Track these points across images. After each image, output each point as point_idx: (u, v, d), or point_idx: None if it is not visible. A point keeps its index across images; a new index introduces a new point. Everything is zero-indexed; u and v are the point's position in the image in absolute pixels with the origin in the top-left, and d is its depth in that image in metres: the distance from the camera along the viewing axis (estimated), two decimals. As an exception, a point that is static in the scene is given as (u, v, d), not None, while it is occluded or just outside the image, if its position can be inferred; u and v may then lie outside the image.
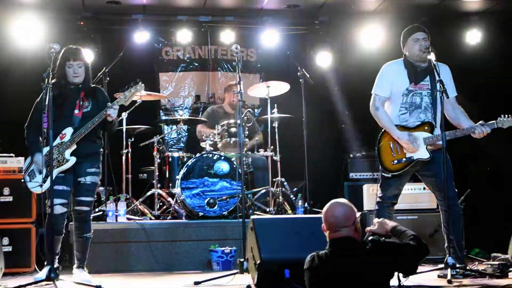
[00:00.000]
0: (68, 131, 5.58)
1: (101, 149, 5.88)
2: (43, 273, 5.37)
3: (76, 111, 5.64)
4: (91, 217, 5.89)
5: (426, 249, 3.91)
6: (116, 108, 5.57)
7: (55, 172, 5.49)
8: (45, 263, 5.57)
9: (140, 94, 5.93)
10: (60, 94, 5.62)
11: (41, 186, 5.42)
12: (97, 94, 5.83)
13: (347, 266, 3.74)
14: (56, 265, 5.43)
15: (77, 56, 5.71)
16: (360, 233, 3.92)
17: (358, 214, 4.07)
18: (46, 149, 5.44)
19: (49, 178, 5.38)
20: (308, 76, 7.96)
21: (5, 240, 6.46)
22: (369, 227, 4.14)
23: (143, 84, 5.79)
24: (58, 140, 5.57)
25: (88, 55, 8.17)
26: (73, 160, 5.55)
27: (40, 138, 5.55)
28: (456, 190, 5.74)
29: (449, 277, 5.17)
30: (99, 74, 7.67)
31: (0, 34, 8.32)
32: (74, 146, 5.56)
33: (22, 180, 5.70)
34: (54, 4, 8.18)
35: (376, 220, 4.18)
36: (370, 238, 3.99)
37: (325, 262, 3.79)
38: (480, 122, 5.61)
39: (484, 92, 8.47)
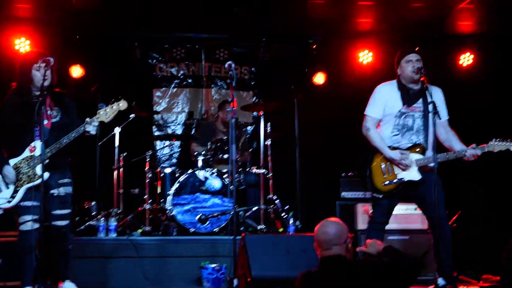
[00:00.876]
0: (38, 144, 5.30)
1: (68, 159, 5.60)
2: None
3: (45, 121, 5.29)
4: (70, 229, 5.64)
5: (418, 270, 3.91)
6: (95, 125, 5.31)
7: (24, 188, 5.30)
8: (23, 283, 5.43)
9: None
10: (24, 102, 5.34)
11: (9, 202, 5.28)
12: (65, 101, 5.54)
13: (337, 284, 3.74)
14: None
15: (44, 57, 5.34)
16: (352, 253, 3.93)
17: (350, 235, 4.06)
18: (12, 161, 5.30)
19: (18, 193, 5.22)
20: (301, 94, 7.99)
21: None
22: (361, 247, 4.14)
23: (125, 102, 5.44)
24: (27, 153, 5.33)
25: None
26: (46, 175, 5.19)
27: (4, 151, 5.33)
28: (447, 211, 5.76)
29: (439, 298, 5.17)
30: (92, 89, 7.69)
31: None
32: (46, 161, 5.21)
33: None
34: (49, 18, 8.20)
35: (368, 241, 4.18)
36: (361, 258, 3.99)
37: (316, 280, 3.79)
38: (472, 145, 5.64)
39: (478, 114, 8.51)
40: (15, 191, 5.27)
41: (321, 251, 3.89)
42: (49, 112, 5.37)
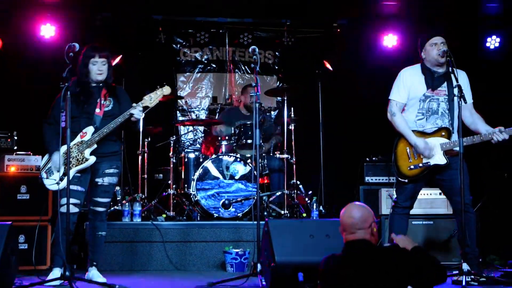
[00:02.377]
0: (89, 130, 5.56)
1: (121, 148, 5.89)
2: (56, 272, 5.45)
3: (98, 110, 5.61)
4: (106, 217, 5.90)
5: (444, 275, 3.84)
6: (140, 110, 5.54)
7: (73, 171, 5.49)
8: (54, 262, 5.62)
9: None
10: (82, 92, 5.63)
11: (57, 184, 5.47)
12: (119, 92, 5.82)
13: (362, 269, 3.72)
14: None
15: (102, 53, 5.68)
16: (377, 238, 3.90)
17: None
18: (64, 148, 5.45)
19: (65, 177, 5.35)
20: (325, 79, 7.96)
21: (21, 238, 6.50)
22: (394, 235, 4.10)
23: (169, 88, 5.71)
24: (78, 139, 5.56)
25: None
26: (93, 159, 5.52)
27: (59, 135, 5.48)
28: (471, 196, 5.71)
29: (464, 283, 5.13)
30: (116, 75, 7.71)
31: (20, 32, 8.39)
32: (95, 146, 5.53)
33: (39, 177, 5.69)
34: (74, 4, 8.24)
35: (399, 237, 4.10)
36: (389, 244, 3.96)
37: (340, 264, 3.78)
38: (499, 128, 5.57)
39: (504, 96, 8.39)
40: (64, 174, 5.44)
41: (345, 235, 3.88)
42: (102, 101, 5.65)
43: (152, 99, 5.60)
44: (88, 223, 5.91)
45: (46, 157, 5.72)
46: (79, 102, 5.57)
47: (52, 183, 5.57)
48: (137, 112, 5.52)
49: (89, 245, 5.87)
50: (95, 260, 5.78)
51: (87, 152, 5.52)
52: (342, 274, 3.76)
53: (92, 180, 5.65)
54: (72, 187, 5.44)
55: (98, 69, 5.64)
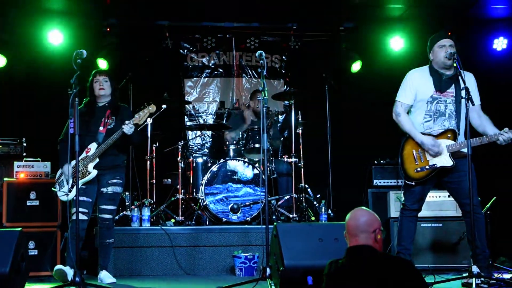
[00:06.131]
0: (93, 146, 6.00)
1: (124, 161, 6.25)
2: (68, 270, 5.69)
3: (101, 128, 6.08)
4: (114, 224, 6.24)
5: None
6: (131, 126, 5.90)
7: (79, 183, 5.84)
8: (66, 262, 5.90)
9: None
10: (88, 112, 6.14)
11: (67, 195, 5.83)
12: (122, 111, 6.23)
13: (361, 274, 3.69)
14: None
15: (103, 72, 6.32)
16: (381, 245, 3.86)
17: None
18: (72, 163, 5.81)
19: (74, 188, 5.74)
20: (332, 82, 7.96)
21: (31, 244, 6.53)
22: None
23: (154, 106, 6.10)
24: (84, 154, 5.96)
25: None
26: (94, 172, 5.95)
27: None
28: (479, 198, 5.70)
29: (474, 286, 5.11)
30: (124, 80, 7.78)
31: (28, 40, 8.43)
32: (97, 160, 5.97)
33: (53, 189, 6.08)
34: (81, 10, 8.27)
35: None
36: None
37: (341, 269, 3.77)
38: (505, 129, 5.57)
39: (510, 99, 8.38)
40: (72, 186, 5.80)
41: (349, 239, 3.87)
42: (106, 120, 6.10)
43: (140, 116, 6.00)
44: (97, 228, 6.23)
45: (60, 171, 6.08)
46: (85, 121, 5.97)
47: (62, 194, 6.03)
48: (127, 129, 5.90)
49: (98, 251, 6.17)
50: (104, 265, 6.13)
51: (90, 166, 5.97)
52: (343, 279, 3.74)
53: (98, 190, 6.08)
54: (79, 197, 5.73)
55: (99, 85, 6.15)
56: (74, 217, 5.72)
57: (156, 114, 7.44)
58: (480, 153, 5.76)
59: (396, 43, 8.97)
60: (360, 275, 3.68)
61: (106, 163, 6.04)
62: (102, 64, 8.47)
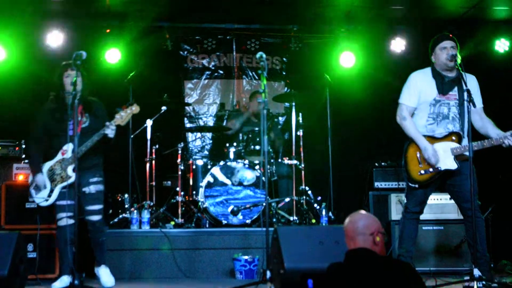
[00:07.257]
0: (69, 147, 5.74)
1: (101, 159, 6.01)
2: (64, 281, 5.63)
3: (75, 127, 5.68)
4: (104, 222, 6.08)
5: None
6: (113, 129, 5.68)
7: (58, 187, 5.73)
8: (60, 271, 5.87)
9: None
10: (58, 108, 5.77)
11: (46, 200, 5.73)
12: (95, 108, 5.92)
13: (361, 277, 3.65)
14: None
15: (72, 67, 5.66)
16: (381, 247, 3.82)
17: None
18: (48, 164, 5.72)
19: (54, 193, 5.68)
20: (333, 83, 7.94)
21: (30, 246, 6.49)
22: None
23: (138, 106, 5.84)
24: (59, 156, 5.78)
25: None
26: (74, 177, 5.60)
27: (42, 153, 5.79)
28: (479, 202, 5.66)
29: (475, 289, 5.09)
30: (124, 81, 7.76)
31: (26, 41, 8.41)
32: (76, 162, 5.57)
33: (30, 193, 5.88)
34: (81, 12, 8.25)
35: None
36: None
37: (341, 272, 3.73)
38: (511, 131, 5.53)
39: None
40: (51, 191, 5.71)
41: (348, 242, 3.84)
42: (79, 118, 5.72)
43: (123, 117, 5.75)
44: (88, 233, 6.00)
45: (30, 177, 5.90)
46: (56, 119, 5.72)
47: (41, 200, 5.82)
48: (110, 131, 5.67)
49: (94, 250, 6.02)
50: (101, 261, 5.98)
51: (69, 169, 5.72)
52: (342, 282, 3.70)
53: (79, 192, 5.73)
54: (61, 202, 5.71)
55: (71, 81, 5.59)
56: (60, 223, 5.72)
57: (156, 115, 7.43)
58: (484, 156, 5.73)
59: (397, 44, 8.94)
60: (358, 278, 3.64)
61: (86, 163, 5.77)
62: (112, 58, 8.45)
